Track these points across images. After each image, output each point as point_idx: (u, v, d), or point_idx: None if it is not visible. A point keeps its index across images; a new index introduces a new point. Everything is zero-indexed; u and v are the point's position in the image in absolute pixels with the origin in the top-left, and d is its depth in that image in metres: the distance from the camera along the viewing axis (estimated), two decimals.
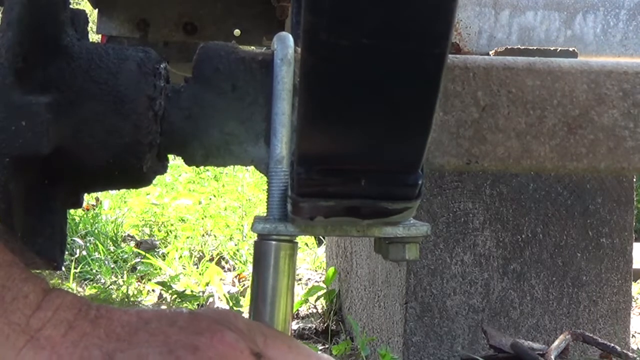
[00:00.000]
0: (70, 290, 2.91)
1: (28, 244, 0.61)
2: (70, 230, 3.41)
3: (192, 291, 2.92)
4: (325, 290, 2.74)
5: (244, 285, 3.08)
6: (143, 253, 3.42)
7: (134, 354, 0.53)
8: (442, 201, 1.97)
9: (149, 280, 3.10)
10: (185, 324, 0.56)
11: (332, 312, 2.64)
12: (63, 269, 0.67)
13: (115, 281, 3.14)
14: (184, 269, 3.31)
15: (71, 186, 0.65)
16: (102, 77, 0.61)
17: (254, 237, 0.65)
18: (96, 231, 3.72)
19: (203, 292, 2.93)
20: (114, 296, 2.89)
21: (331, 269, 2.75)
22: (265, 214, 0.65)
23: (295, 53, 0.64)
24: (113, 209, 4.21)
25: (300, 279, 3.22)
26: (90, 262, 3.28)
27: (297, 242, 0.66)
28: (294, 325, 2.56)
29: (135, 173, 0.63)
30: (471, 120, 0.68)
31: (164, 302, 2.86)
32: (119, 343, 0.54)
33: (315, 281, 3.16)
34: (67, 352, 0.53)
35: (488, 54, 1.83)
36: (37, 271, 0.66)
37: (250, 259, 3.34)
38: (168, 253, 3.49)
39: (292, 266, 0.66)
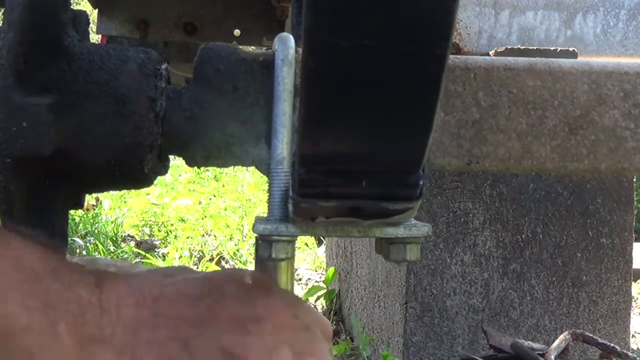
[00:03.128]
0: None
1: None
2: (70, 230, 3.41)
3: None
4: (325, 290, 2.74)
5: None
6: (143, 253, 3.42)
7: (209, 336, 0.56)
8: (442, 201, 1.97)
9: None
10: (236, 292, 0.60)
11: (332, 312, 2.64)
12: None
13: None
14: None
15: (72, 187, 0.65)
16: (103, 78, 0.61)
17: (254, 237, 0.66)
18: (96, 231, 3.72)
19: None
20: None
21: (331, 269, 2.75)
22: (266, 215, 0.65)
23: (296, 54, 0.64)
24: (113, 209, 4.21)
25: (300, 279, 3.22)
26: None
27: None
28: None
29: (136, 174, 0.63)
30: (472, 121, 0.68)
31: None
32: (190, 327, 0.56)
33: (315, 281, 3.16)
34: (146, 352, 0.55)
35: (488, 54, 1.83)
36: None
37: (250, 259, 3.34)
38: (168, 253, 3.49)
39: (291, 265, 0.69)
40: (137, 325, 0.55)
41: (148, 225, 4.04)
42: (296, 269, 3.30)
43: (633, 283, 2.18)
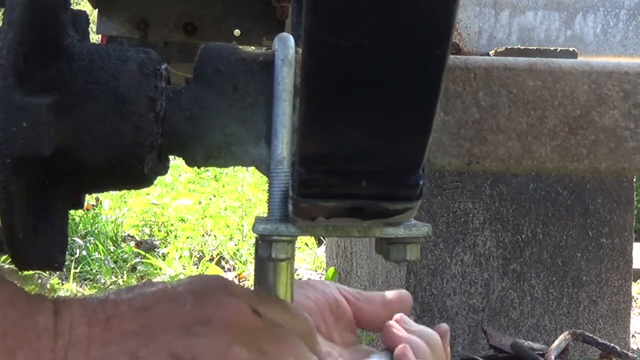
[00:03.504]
0: (69, 292, 2.91)
1: (29, 245, 0.61)
2: (70, 230, 3.41)
3: None
4: None
5: (244, 285, 3.08)
6: (143, 253, 3.42)
7: (158, 345, 0.56)
8: (442, 201, 1.97)
9: (149, 280, 3.10)
10: (187, 297, 0.59)
11: None
12: (63, 269, 0.67)
13: (116, 281, 3.14)
14: (184, 269, 3.31)
15: (72, 187, 0.65)
16: (103, 78, 0.61)
17: (254, 237, 0.66)
18: (96, 231, 3.73)
19: None
20: None
21: (331, 269, 2.75)
22: (266, 215, 0.65)
23: (296, 54, 0.64)
24: (113, 209, 4.21)
25: (300, 279, 3.22)
26: (90, 262, 3.28)
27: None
28: None
29: (136, 174, 0.63)
30: (472, 121, 0.68)
31: None
32: (139, 338, 0.56)
33: None
34: None
35: (488, 54, 1.83)
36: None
37: (250, 259, 3.34)
38: (168, 253, 3.49)
39: (291, 265, 0.68)
40: (89, 344, 0.55)
41: (148, 225, 4.04)
42: (296, 269, 3.30)
43: (633, 283, 2.18)
